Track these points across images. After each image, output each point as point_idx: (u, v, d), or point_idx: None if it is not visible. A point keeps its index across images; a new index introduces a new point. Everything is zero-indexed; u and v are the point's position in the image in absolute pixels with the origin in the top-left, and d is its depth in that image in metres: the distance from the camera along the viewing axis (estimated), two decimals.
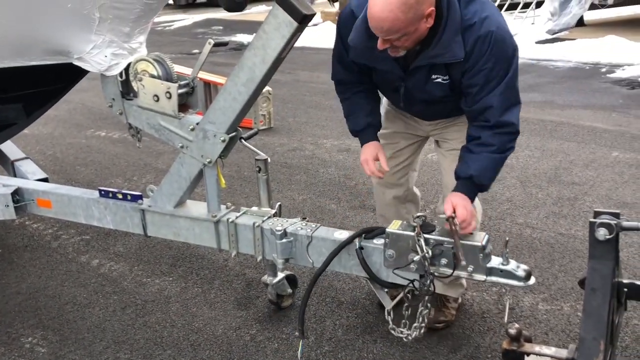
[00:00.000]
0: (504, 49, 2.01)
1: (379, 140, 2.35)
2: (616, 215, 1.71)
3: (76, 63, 2.42)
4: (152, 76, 2.35)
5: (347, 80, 2.33)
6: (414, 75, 2.14)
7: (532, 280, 1.95)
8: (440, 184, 3.10)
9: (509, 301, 2.65)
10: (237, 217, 2.40)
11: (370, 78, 2.33)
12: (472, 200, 2.12)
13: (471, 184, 2.12)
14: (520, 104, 2.12)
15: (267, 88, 5.63)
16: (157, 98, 2.35)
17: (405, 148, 2.54)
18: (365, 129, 2.33)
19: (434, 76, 2.12)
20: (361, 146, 2.35)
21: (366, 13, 1.96)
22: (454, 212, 1.99)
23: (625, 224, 1.69)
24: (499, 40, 1.99)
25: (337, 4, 14.39)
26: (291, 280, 2.72)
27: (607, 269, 1.71)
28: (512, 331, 1.86)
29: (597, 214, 1.72)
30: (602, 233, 1.67)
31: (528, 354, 1.86)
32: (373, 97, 2.38)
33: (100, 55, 2.36)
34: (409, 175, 2.61)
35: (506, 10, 10.49)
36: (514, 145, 2.16)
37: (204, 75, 5.73)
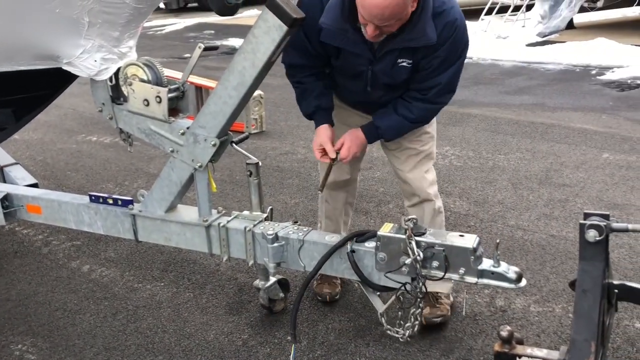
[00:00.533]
0: (463, 37, 2.21)
1: (333, 124, 2.42)
2: (606, 217, 1.71)
3: (65, 68, 2.40)
4: (142, 80, 2.33)
5: (300, 64, 2.36)
6: (383, 59, 2.22)
7: (524, 282, 1.96)
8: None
9: (465, 299, 2.70)
10: (228, 222, 2.39)
11: (324, 63, 2.37)
12: (370, 142, 2.43)
13: (376, 132, 2.39)
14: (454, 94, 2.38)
15: (258, 92, 5.62)
16: (147, 102, 2.34)
17: None
18: (316, 111, 2.40)
19: (400, 60, 2.21)
20: (316, 126, 2.42)
21: None
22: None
23: (614, 225, 1.70)
24: (460, 29, 2.18)
25: None
26: (283, 284, 2.71)
27: (598, 270, 1.71)
28: (504, 333, 1.85)
29: (587, 216, 1.72)
30: (592, 235, 1.68)
31: (520, 356, 1.86)
32: (323, 80, 2.42)
33: (89, 59, 2.34)
34: (359, 168, 2.81)
35: (497, 13, 10.54)
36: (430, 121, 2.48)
37: (195, 79, 5.72)
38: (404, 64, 2.22)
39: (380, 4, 1.94)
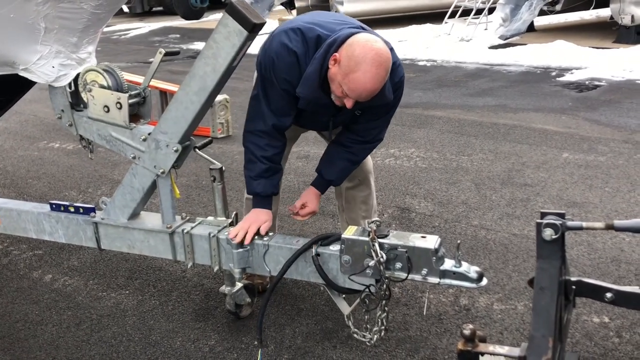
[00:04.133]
0: (402, 91, 2.40)
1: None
2: (561, 216, 1.76)
3: (22, 74, 2.36)
4: (102, 87, 2.31)
5: (278, 125, 2.32)
6: (345, 113, 2.34)
7: (484, 282, 2.00)
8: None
9: (427, 298, 2.76)
10: (192, 228, 2.38)
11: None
12: (323, 193, 2.56)
13: (327, 184, 2.54)
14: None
15: (224, 96, 5.60)
16: (107, 109, 2.32)
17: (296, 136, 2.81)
18: (269, 196, 2.42)
19: (356, 111, 2.35)
20: (257, 207, 2.40)
21: (318, 67, 2.11)
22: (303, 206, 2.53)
23: (569, 223, 1.75)
24: (403, 85, 2.37)
25: (294, 12, 14.45)
26: (250, 289, 2.70)
27: (554, 268, 1.76)
28: (467, 332, 1.88)
29: (543, 215, 1.77)
30: (548, 233, 1.72)
31: (482, 354, 1.89)
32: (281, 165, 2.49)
33: (47, 66, 2.31)
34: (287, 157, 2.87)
35: (460, 16, 10.71)
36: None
37: (160, 84, 5.67)
38: (356, 112, 2.36)
39: (371, 87, 2.06)
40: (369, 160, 2.77)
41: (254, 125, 2.33)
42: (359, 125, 2.42)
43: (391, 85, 2.22)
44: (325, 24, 2.19)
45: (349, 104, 2.13)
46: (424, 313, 2.62)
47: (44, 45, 2.24)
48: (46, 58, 2.28)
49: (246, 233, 2.31)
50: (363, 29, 2.21)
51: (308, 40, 2.15)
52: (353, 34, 2.10)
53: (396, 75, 2.27)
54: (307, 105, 2.26)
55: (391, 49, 2.19)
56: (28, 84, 2.73)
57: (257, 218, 2.37)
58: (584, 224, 1.76)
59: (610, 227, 1.73)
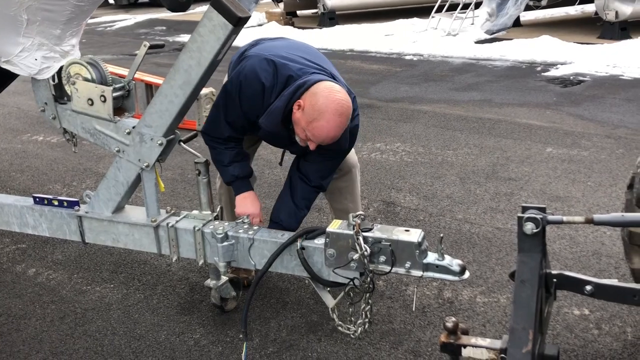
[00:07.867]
0: (355, 138, 2.53)
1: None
2: (542, 210, 1.79)
3: (4, 66, 2.34)
4: (86, 79, 2.30)
5: (234, 136, 2.47)
6: (298, 146, 2.42)
7: (467, 275, 2.03)
8: None
9: (415, 293, 2.73)
10: (177, 222, 2.38)
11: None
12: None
13: (281, 228, 2.53)
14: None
15: (210, 89, 5.56)
16: (91, 102, 2.30)
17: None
18: (249, 175, 2.57)
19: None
20: (241, 192, 2.55)
21: (284, 104, 2.23)
22: None
23: (550, 217, 1.78)
24: (356, 133, 2.52)
25: (281, 4, 14.39)
26: (235, 283, 2.71)
27: (535, 261, 1.79)
28: (449, 324, 1.91)
29: (524, 209, 1.80)
30: (529, 227, 1.75)
31: (465, 346, 1.92)
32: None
33: (29, 58, 2.29)
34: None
35: (447, 10, 10.74)
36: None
37: (145, 76, 5.63)
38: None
39: (333, 135, 2.21)
40: (353, 155, 2.78)
41: (212, 130, 2.47)
42: (308, 163, 2.53)
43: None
44: (300, 63, 2.31)
45: (312, 146, 2.27)
46: (414, 308, 2.63)
47: (26, 38, 2.22)
48: (29, 50, 2.26)
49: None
50: (332, 76, 2.35)
51: (279, 77, 2.27)
52: (319, 81, 2.22)
53: (352, 122, 2.37)
54: (266, 134, 2.44)
55: (353, 99, 2.34)
56: (10, 77, 2.71)
57: (255, 205, 2.55)
58: (565, 218, 1.79)
59: (589, 221, 1.76)
